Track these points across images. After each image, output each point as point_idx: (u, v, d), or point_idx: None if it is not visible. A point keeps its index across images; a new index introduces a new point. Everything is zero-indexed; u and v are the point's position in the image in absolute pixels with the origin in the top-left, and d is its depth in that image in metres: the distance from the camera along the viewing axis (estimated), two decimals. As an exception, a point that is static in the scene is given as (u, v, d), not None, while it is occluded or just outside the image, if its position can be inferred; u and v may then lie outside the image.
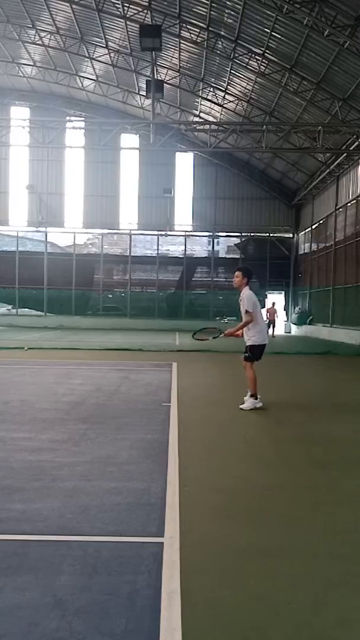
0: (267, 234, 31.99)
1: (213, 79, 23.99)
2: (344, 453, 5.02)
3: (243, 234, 32.33)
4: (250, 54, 20.27)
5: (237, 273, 7.28)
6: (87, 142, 29.61)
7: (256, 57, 20.23)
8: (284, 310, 31.49)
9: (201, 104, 26.59)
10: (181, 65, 23.60)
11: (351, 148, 21.42)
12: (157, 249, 32.36)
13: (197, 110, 27.42)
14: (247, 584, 2.53)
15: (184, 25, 20.27)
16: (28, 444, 4.86)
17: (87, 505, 3.40)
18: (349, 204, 23.40)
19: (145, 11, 20.07)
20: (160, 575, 2.53)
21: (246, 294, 7.07)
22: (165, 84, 22.70)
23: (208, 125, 23.00)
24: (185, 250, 32.48)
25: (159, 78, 22.84)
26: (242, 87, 23.47)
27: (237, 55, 20.66)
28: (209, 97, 25.33)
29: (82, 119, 29.93)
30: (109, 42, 23.55)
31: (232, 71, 22.31)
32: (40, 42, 24.28)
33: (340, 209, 24.45)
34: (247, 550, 2.88)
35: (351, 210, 23.10)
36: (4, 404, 6.77)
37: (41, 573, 2.53)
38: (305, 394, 8.72)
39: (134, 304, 32.33)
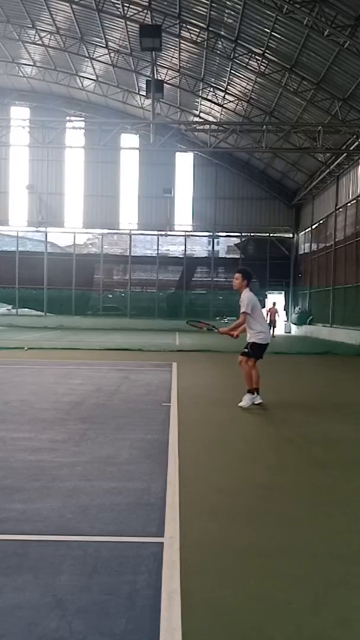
0: (267, 234, 32.01)
1: (213, 79, 24.00)
2: (344, 453, 5.02)
3: (243, 234, 32.34)
4: (250, 54, 20.27)
5: (236, 275, 7.27)
6: (87, 142, 29.61)
7: (256, 57, 20.24)
8: (284, 310, 31.49)
9: (201, 104, 26.59)
10: (181, 65, 23.61)
11: (351, 148, 21.43)
12: (157, 249, 32.37)
13: (197, 110, 27.43)
14: (247, 584, 2.53)
15: (184, 25, 20.27)
16: (28, 444, 4.86)
17: (87, 505, 3.40)
18: (349, 204, 23.40)
19: (145, 11, 20.08)
20: (160, 575, 2.53)
21: (246, 295, 7.07)
22: (165, 84, 22.71)
23: (208, 125, 23.01)
24: (185, 250, 32.48)
25: (159, 78, 22.86)
26: (242, 87, 23.48)
27: (237, 55, 20.67)
28: (209, 97, 25.33)
29: (82, 119, 29.95)
30: (109, 42, 23.55)
31: (232, 71, 22.32)
32: (40, 42, 24.29)
33: (340, 209, 24.45)
34: (247, 550, 2.88)
35: (351, 210, 23.11)
36: (4, 404, 6.77)
37: (41, 573, 2.53)
38: (305, 394, 8.72)
39: (134, 304, 32.33)
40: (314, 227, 28.87)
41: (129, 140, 30.79)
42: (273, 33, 18.35)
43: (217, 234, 32.34)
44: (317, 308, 28.09)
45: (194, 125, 25.57)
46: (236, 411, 6.78)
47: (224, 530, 3.12)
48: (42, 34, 23.84)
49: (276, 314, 26.57)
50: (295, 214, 31.74)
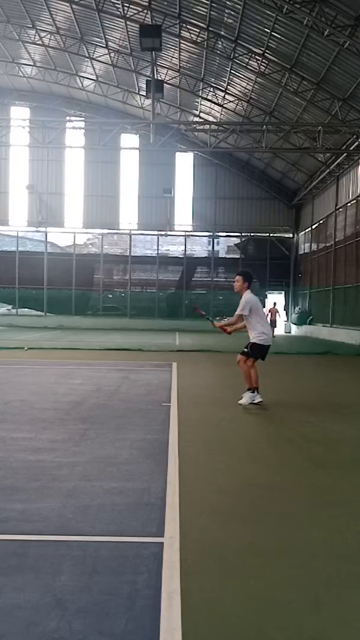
0: (267, 234, 32.01)
1: (213, 79, 24.00)
2: (344, 453, 5.02)
3: (243, 234, 32.34)
4: (250, 54, 20.28)
5: (237, 277, 7.27)
6: (87, 142, 29.61)
7: (256, 57, 20.24)
8: (284, 310, 31.49)
9: (201, 104, 26.59)
10: (181, 65, 23.61)
11: (351, 148, 21.43)
12: (157, 249, 32.37)
13: (197, 110, 27.43)
14: (247, 584, 2.53)
15: (184, 25, 20.28)
16: (28, 444, 4.86)
17: (87, 505, 3.40)
18: (349, 204, 23.40)
19: (145, 11, 20.08)
20: (160, 575, 2.53)
21: (245, 297, 7.08)
22: (165, 84, 22.71)
23: (208, 125, 23.01)
24: (185, 250, 32.49)
25: (159, 78, 22.86)
26: (242, 87, 23.48)
27: (237, 55, 20.67)
28: (209, 97, 25.34)
29: (82, 119, 29.95)
30: (109, 42, 23.56)
31: (232, 71, 22.32)
32: (40, 42, 24.29)
33: (340, 209, 24.45)
34: (247, 550, 2.87)
35: (351, 210, 23.11)
36: (4, 404, 6.77)
37: (41, 573, 2.53)
38: (305, 394, 8.72)
39: (133, 304, 32.34)
40: (314, 227, 28.87)
41: (129, 140, 30.79)
42: (273, 33, 18.35)
43: (217, 234, 32.35)
44: (317, 308, 28.09)
45: (194, 125, 25.57)
46: (236, 411, 6.78)
47: (224, 530, 3.12)
48: (42, 34, 23.85)
49: (277, 314, 26.57)
50: (295, 214, 31.74)
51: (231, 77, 22.89)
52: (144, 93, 24.57)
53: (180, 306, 32.16)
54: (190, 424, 5.95)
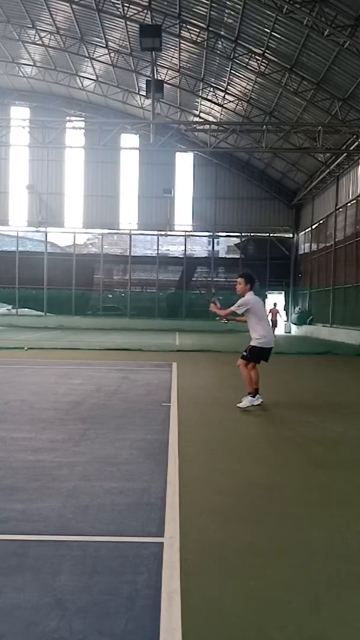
0: (267, 234, 32.00)
1: (213, 79, 23.99)
2: (344, 453, 5.02)
3: (243, 234, 32.33)
4: (250, 54, 20.27)
5: (239, 280, 7.26)
6: (87, 142, 29.60)
7: (256, 57, 20.24)
8: (284, 310, 31.47)
9: (201, 104, 26.59)
10: (181, 65, 23.61)
11: (351, 148, 21.42)
12: (157, 249, 32.36)
13: (197, 110, 27.42)
14: (247, 584, 2.53)
15: (184, 25, 20.27)
16: (28, 444, 4.86)
17: (87, 505, 3.40)
18: (349, 204, 23.40)
19: (145, 11, 20.07)
20: (160, 575, 2.53)
21: (246, 297, 7.07)
22: (165, 84, 22.70)
23: (208, 125, 23.00)
24: (185, 250, 32.48)
25: (159, 78, 22.85)
26: (242, 87, 23.48)
27: (237, 55, 20.66)
28: (209, 97, 25.33)
29: (82, 119, 29.92)
30: (109, 42, 23.55)
31: (232, 71, 22.31)
32: (40, 42, 24.28)
33: (340, 209, 24.45)
34: (247, 550, 2.88)
35: (351, 210, 23.11)
36: (4, 404, 6.77)
37: (41, 573, 2.53)
38: (305, 394, 8.73)
39: (133, 304, 32.33)
40: (314, 227, 28.86)
41: (129, 140, 30.78)
42: (273, 33, 18.35)
43: (217, 234, 32.34)
44: (317, 308, 28.09)
45: (194, 125, 25.56)
46: (236, 411, 6.78)
47: (224, 530, 3.13)
48: (42, 34, 23.84)
49: (277, 315, 26.56)
50: (295, 214, 31.74)
51: (231, 77, 22.89)
52: (144, 93, 24.56)
53: (180, 306, 32.17)
54: (190, 424, 5.95)
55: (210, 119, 26.42)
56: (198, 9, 19.36)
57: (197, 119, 27.21)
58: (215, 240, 32.48)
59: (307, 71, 19.58)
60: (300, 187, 29.21)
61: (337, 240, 24.74)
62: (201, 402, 7.43)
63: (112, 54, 24.30)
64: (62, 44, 24.23)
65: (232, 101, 24.76)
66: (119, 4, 20.15)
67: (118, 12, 20.65)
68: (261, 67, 20.66)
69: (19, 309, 31.97)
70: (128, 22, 21.03)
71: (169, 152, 30.19)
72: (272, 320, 24.93)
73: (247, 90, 23.34)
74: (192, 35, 20.62)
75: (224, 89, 24.17)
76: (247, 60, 20.83)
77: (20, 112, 30.59)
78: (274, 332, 25.39)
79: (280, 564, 2.74)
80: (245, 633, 2.15)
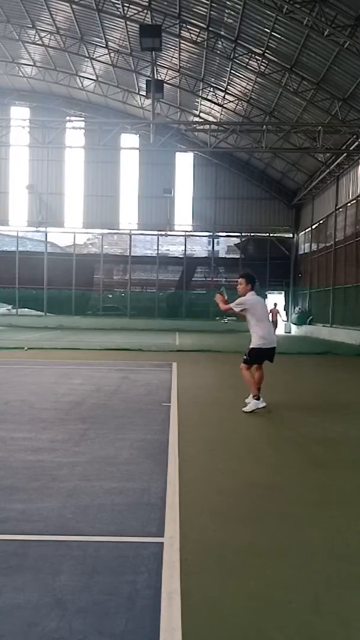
0: (267, 234, 31.99)
1: (213, 79, 23.99)
2: (344, 453, 5.02)
3: (243, 234, 32.33)
4: (250, 54, 20.27)
5: (240, 280, 7.25)
6: (87, 142, 29.60)
7: (256, 57, 20.24)
8: (284, 310, 31.46)
9: (201, 104, 26.59)
10: (181, 65, 23.61)
11: (351, 148, 21.42)
12: (157, 249, 32.35)
13: (197, 110, 27.42)
14: (247, 584, 2.53)
15: (184, 25, 20.27)
16: (28, 444, 4.86)
17: (87, 505, 3.40)
18: (349, 204, 23.40)
19: (145, 11, 20.07)
20: (160, 575, 2.53)
21: (246, 297, 7.06)
22: (165, 84, 22.70)
23: (208, 125, 23.00)
24: (185, 250, 32.47)
25: (159, 78, 22.85)
26: (242, 87, 23.47)
27: (237, 55, 20.66)
28: (209, 97, 25.33)
29: (82, 119, 29.91)
30: (109, 42, 23.55)
31: (232, 71, 22.31)
32: (40, 42, 24.28)
33: (340, 209, 24.45)
34: (247, 550, 2.88)
35: (351, 210, 23.11)
36: (4, 404, 6.77)
37: (41, 573, 2.53)
38: (305, 394, 8.73)
39: (133, 304, 32.32)
40: (314, 227, 28.86)
41: (129, 140, 30.78)
42: (273, 33, 18.35)
43: (217, 234, 32.34)
44: (317, 308, 28.08)
45: (194, 125, 25.55)
46: (236, 411, 6.77)
47: (224, 530, 3.13)
48: (42, 34, 23.84)
49: (278, 315, 26.55)
50: (295, 214, 31.74)
51: (231, 77, 22.89)
52: (144, 93, 24.56)
53: (180, 306, 32.17)
54: (190, 424, 5.95)
55: (210, 119, 26.42)
56: (198, 9, 19.36)
57: (197, 119, 27.21)
58: (215, 240, 32.48)
59: (307, 71, 19.58)
60: (300, 187, 29.21)
61: (337, 240, 24.74)
62: (201, 402, 7.43)
63: (112, 54, 24.30)
64: (62, 44, 24.23)
65: (232, 101, 24.76)
66: (119, 4, 20.15)
67: (118, 12, 20.65)
68: (261, 67, 20.66)
69: (19, 309, 31.97)
70: (128, 22, 21.03)
71: (169, 152, 30.18)
72: (272, 320, 24.92)
73: (247, 90, 23.33)
74: (192, 35, 20.62)
75: (224, 89, 24.17)
76: (247, 60, 20.84)
77: (20, 112, 30.58)
78: (274, 332, 25.37)
79: (280, 564, 2.74)
80: (245, 633, 2.15)
